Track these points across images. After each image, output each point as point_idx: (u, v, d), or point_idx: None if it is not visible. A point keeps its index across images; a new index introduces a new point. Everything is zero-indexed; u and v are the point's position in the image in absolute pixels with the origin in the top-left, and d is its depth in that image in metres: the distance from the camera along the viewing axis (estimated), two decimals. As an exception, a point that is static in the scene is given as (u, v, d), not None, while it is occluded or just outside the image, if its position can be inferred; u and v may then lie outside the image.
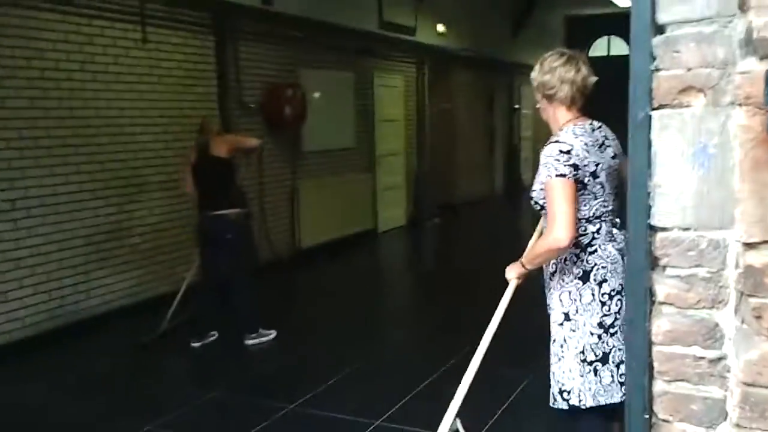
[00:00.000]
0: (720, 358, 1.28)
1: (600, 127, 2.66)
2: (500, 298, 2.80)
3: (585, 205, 2.54)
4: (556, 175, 2.47)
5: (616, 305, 2.52)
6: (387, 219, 10.27)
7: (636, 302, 1.34)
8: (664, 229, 1.31)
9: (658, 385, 1.32)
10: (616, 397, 2.48)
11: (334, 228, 8.73)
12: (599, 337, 2.52)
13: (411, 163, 11.04)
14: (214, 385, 4.47)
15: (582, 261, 2.56)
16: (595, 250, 2.55)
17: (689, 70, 1.29)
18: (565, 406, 2.56)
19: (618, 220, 2.59)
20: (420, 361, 4.84)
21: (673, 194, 1.31)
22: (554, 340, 2.61)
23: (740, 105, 1.24)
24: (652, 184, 1.33)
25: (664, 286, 1.32)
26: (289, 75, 7.92)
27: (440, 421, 2.67)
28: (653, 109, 1.32)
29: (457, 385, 2.71)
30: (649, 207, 1.33)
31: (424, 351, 5.09)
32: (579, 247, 2.55)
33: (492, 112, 14.02)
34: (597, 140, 2.59)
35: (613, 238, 2.57)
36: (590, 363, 2.52)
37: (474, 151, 13.16)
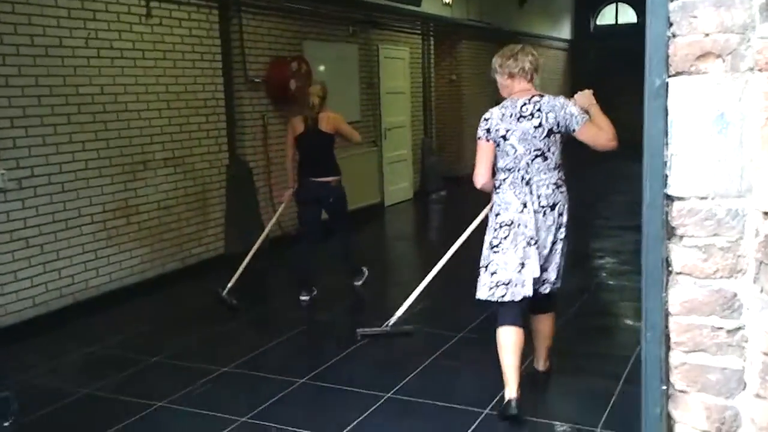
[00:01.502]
0: (738, 328, 1.26)
1: (537, 102, 3.49)
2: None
3: (501, 159, 3.56)
4: (477, 137, 3.62)
5: (504, 233, 3.52)
6: (393, 192, 10.24)
7: (652, 272, 1.33)
8: (680, 199, 1.29)
9: (675, 356, 1.31)
10: (490, 296, 3.54)
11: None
12: (488, 251, 3.59)
13: (417, 135, 10.98)
14: (227, 360, 4.49)
15: (493, 198, 3.64)
16: (499, 192, 3.58)
17: (707, 35, 1.26)
18: None
19: (529, 175, 3.48)
20: (435, 330, 4.86)
21: (690, 163, 1.29)
22: None
23: (760, 70, 1.21)
24: (669, 153, 1.30)
25: (681, 256, 1.30)
26: (293, 48, 7.86)
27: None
28: (670, 77, 1.29)
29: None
30: (666, 176, 1.31)
31: (438, 321, 5.09)
32: (495, 187, 3.61)
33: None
34: (518, 112, 3.49)
35: (514, 187, 3.51)
36: (480, 267, 3.61)
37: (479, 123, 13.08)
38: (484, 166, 3.58)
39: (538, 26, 15.55)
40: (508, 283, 3.51)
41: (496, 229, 3.56)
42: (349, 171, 8.79)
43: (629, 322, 5.10)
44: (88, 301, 5.58)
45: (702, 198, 1.27)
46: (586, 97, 3.58)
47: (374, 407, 3.74)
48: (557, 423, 3.54)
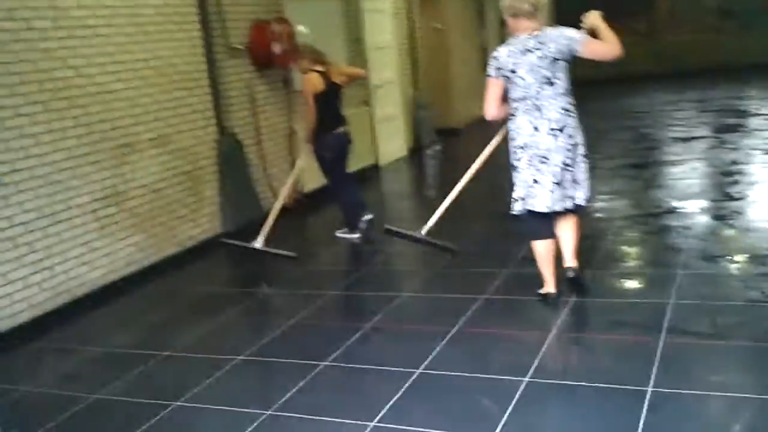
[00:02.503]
0: None
1: (539, 35, 3.93)
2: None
3: (513, 91, 4.02)
4: (487, 75, 4.09)
5: (520, 155, 4.08)
6: (387, 152, 9.93)
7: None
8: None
9: None
10: (519, 211, 4.18)
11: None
12: (513, 171, 4.17)
13: (407, 90, 10.61)
14: (242, 348, 4.24)
15: (509, 125, 4.16)
16: (513, 120, 4.09)
17: None
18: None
19: (540, 101, 3.95)
20: (455, 294, 4.63)
21: None
22: None
23: None
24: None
25: None
26: (274, 10, 7.44)
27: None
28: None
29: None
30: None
31: (456, 285, 4.86)
32: (510, 115, 4.11)
33: (483, 28, 13.48)
34: (523, 47, 3.93)
35: (527, 113, 4.00)
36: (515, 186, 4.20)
37: (468, 70, 12.68)
38: (493, 100, 4.10)
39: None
40: (527, 197, 4.10)
41: (513, 153, 4.12)
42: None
43: (652, 269, 4.88)
44: (87, 297, 5.31)
45: None
46: (594, 16, 3.99)
47: (406, 386, 3.50)
48: (603, 385, 3.31)
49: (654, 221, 5.86)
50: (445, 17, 11.80)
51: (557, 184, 4.03)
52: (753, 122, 9.93)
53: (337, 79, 6.03)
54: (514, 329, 4.11)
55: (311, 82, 5.90)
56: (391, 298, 4.77)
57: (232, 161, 6.81)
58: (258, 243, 5.76)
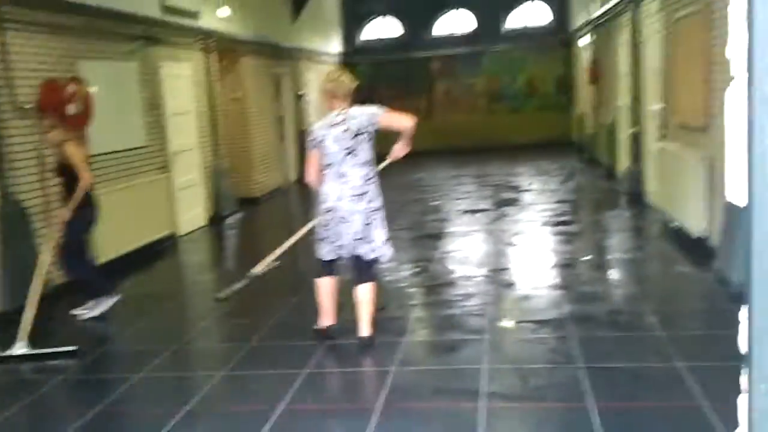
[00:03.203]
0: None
1: (346, 112, 4.63)
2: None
3: (323, 158, 4.63)
4: (306, 146, 4.81)
5: (328, 216, 4.68)
6: (187, 220, 9.55)
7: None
8: None
9: None
10: (323, 256, 4.79)
11: (132, 238, 7.87)
12: (318, 229, 4.80)
13: (207, 157, 10.37)
14: None
15: (320, 189, 4.71)
16: (323, 185, 4.68)
17: None
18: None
19: (343, 169, 4.59)
20: (278, 367, 4.48)
21: None
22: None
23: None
24: None
25: None
26: (67, 68, 6.96)
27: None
28: None
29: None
30: None
31: (276, 357, 4.71)
32: (322, 183, 4.70)
33: (279, 99, 13.67)
34: (332, 121, 4.62)
35: (332, 179, 4.62)
36: (317, 239, 4.82)
37: (266, 140, 12.72)
38: (311, 167, 4.75)
39: (309, 41, 15.58)
40: (332, 249, 4.74)
41: (322, 214, 4.71)
42: (137, 202, 8.05)
43: (460, 335, 5.07)
44: None
45: None
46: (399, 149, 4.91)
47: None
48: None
49: (452, 289, 6.15)
50: (243, 87, 11.80)
51: (359, 239, 4.67)
52: (526, 197, 10.98)
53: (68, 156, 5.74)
54: (340, 404, 4.07)
55: (78, 148, 5.80)
56: (207, 377, 4.52)
57: (15, 230, 6.14)
58: (19, 349, 5.02)
